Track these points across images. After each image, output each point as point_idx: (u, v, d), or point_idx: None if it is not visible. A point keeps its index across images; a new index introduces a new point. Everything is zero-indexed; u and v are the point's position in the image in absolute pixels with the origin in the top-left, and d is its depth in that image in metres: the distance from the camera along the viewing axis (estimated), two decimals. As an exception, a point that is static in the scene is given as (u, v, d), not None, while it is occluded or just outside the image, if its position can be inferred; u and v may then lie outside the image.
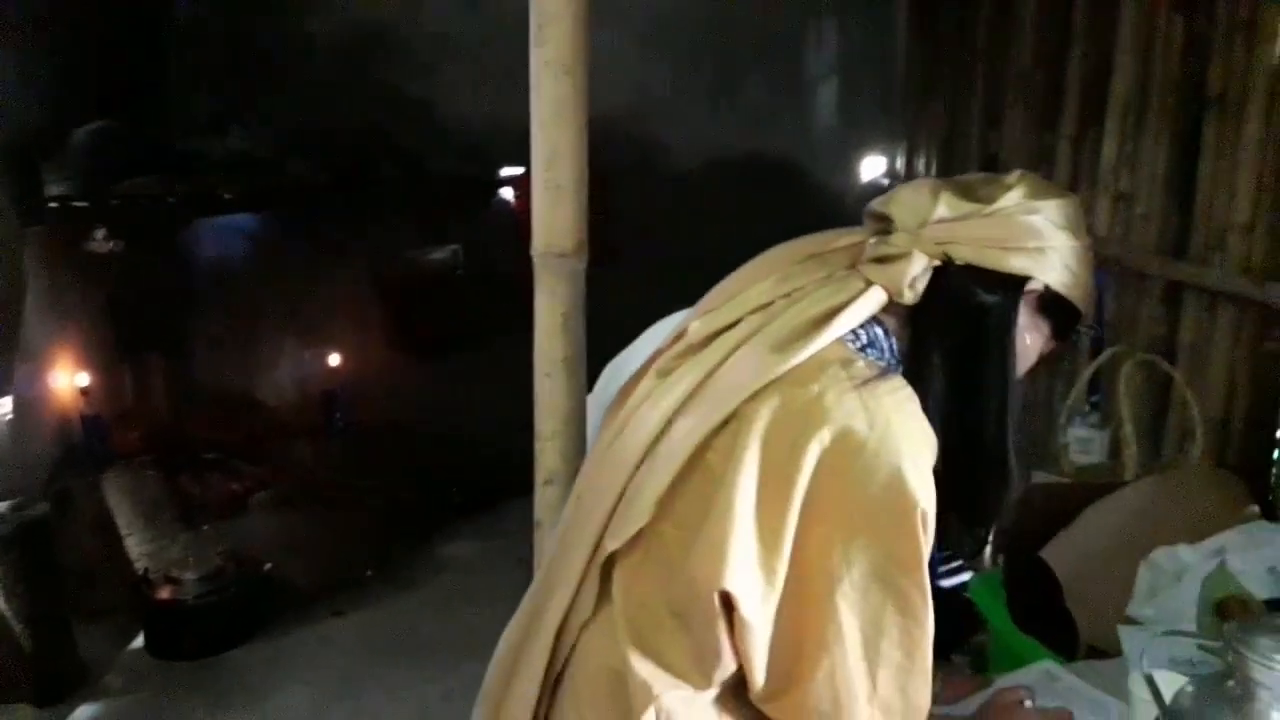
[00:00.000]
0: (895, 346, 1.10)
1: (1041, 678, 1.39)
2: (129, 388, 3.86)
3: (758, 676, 1.02)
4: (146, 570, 3.33)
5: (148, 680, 3.14)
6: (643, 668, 1.03)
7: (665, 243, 4.36)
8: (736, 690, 1.05)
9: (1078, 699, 1.33)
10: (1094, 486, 2.14)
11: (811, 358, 1.03)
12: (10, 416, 3.25)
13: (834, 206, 4.65)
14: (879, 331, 1.09)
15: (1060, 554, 2.00)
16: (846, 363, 1.03)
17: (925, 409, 1.06)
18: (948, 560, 2.58)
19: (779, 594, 1.00)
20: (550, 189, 1.36)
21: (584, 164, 1.38)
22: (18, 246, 3.15)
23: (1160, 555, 1.91)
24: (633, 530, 1.04)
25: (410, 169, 4.20)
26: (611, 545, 1.06)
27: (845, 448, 0.98)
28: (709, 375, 1.07)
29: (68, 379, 3.61)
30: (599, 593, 1.08)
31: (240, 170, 3.82)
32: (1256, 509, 2.05)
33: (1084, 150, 2.97)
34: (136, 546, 3.50)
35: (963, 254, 1.09)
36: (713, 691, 1.06)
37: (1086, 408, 2.90)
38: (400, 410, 4.04)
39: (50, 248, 3.37)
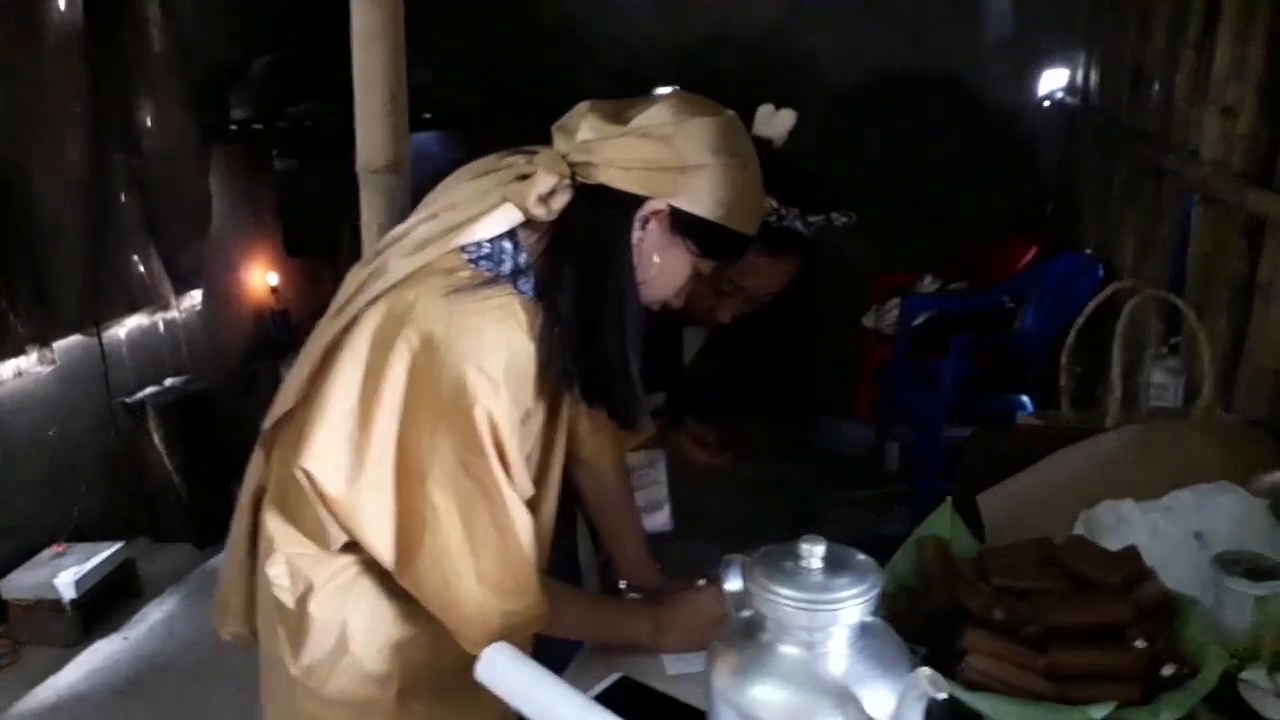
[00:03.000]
0: (525, 260, 1.15)
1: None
2: (314, 288, 4.42)
3: (378, 553, 1.14)
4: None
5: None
6: (274, 524, 1.19)
7: (817, 164, 4.26)
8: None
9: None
10: (1072, 431, 1.96)
11: (425, 266, 1.12)
12: (199, 308, 3.87)
13: (1006, 124, 4.30)
14: (507, 245, 1.14)
15: (999, 497, 1.88)
16: (450, 272, 1.11)
17: (557, 321, 1.12)
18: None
19: (373, 477, 1.10)
20: (364, 110, 1.48)
21: (399, 87, 1.49)
22: (201, 163, 3.71)
23: (1103, 509, 1.75)
24: (278, 413, 1.19)
25: (565, 91, 4.37)
26: (264, 425, 1.21)
27: (426, 350, 1.07)
28: (370, 277, 1.18)
29: (259, 278, 4.21)
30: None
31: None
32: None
33: (1204, 58, 2.59)
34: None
35: (596, 174, 1.11)
36: (351, 558, 1.19)
37: (1164, 350, 2.61)
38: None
39: (233, 164, 3.92)
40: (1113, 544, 1.61)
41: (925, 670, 0.84)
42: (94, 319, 3.34)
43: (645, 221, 1.12)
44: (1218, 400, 2.01)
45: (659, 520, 1.77)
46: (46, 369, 3.18)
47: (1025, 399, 3.31)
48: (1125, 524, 1.68)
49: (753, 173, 1.15)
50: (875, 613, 1.06)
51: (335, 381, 1.11)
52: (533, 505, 1.30)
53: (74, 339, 3.30)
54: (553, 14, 4.61)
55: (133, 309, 3.54)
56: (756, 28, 4.45)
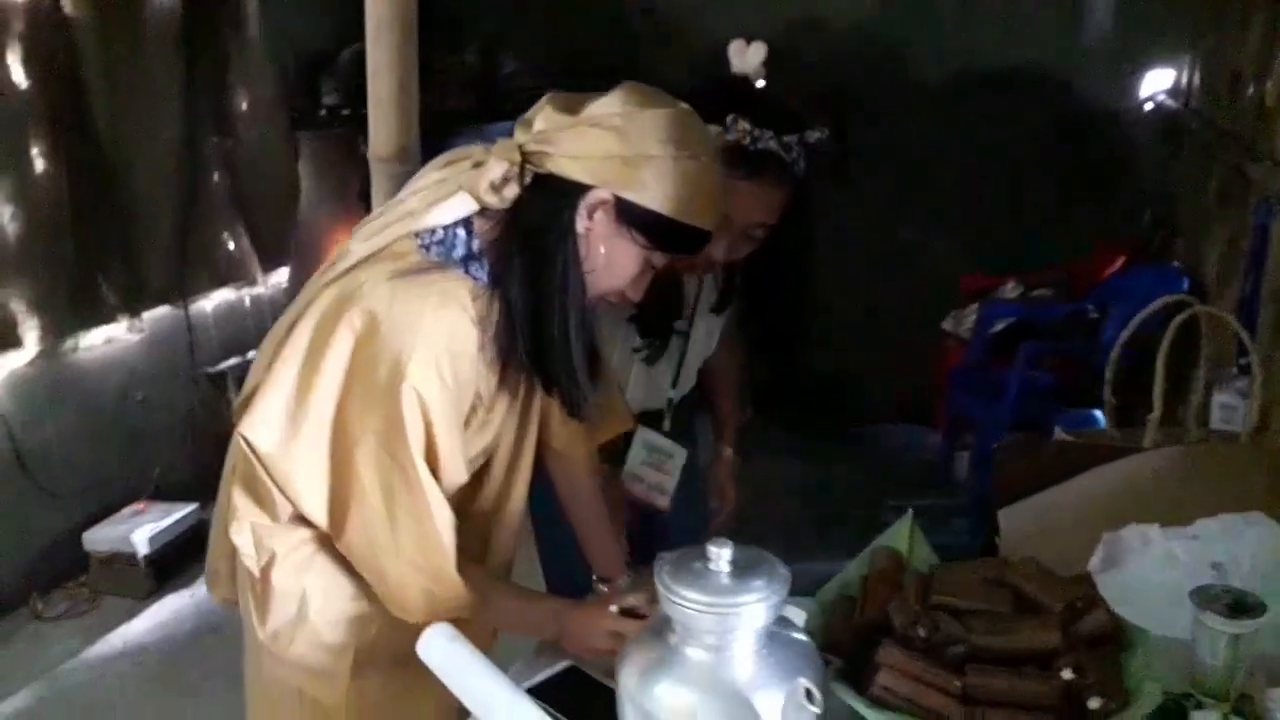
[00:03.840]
0: (477, 247, 1.16)
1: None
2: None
3: (313, 517, 1.18)
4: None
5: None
6: (237, 495, 1.24)
7: (910, 161, 4.16)
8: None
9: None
10: (1107, 449, 1.87)
11: (381, 250, 1.15)
12: (285, 285, 4.03)
13: (1104, 126, 4.10)
14: (461, 232, 1.16)
15: (1022, 512, 1.82)
16: (400, 256, 1.14)
17: (510, 307, 1.14)
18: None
19: (307, 443, 1.14)
20: (374, 100, 1.53)
21: (407, 79, 1.53)
22: (290, 148, 3.86)
23: (1129, 532, 1.68)
24: (249, 390, 1.24)
25: (654, 83, 4.37)
26: (236, 402, 1.26)
27: (368, 329, 1.11)
28: (337, 259, 1.22)
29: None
30: None
31: (492, 86, 4.29)
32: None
33: (1298, 61, 2.42)
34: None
35: (547, 164, 1.12)
36: (309, 532, 1.23)
37: (1234, 370, 2.46)
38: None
39: (322, 149, 4.06)
40: (1133, 569, 1.55)
41: (802, 681, 0.82)
42: (182, 292, 3.52)
43: (592, 211, 1.13)
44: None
45: (659, 501, 1.80)
46: (135, 337, 3.37)
47: (1099, 414, 3.17)
48: (1149, 548, 1.61)
49: (705, 166, 1.14)
50: (805, 622, 1.04)
51: (285, 356, 1.16)
52: (502, 493, 1.33)
53: (162, 310, 3.49)
54: (638, 7, 4.62)
55: (220, 284, 3.72)
56: (846, 23, 4.37)
